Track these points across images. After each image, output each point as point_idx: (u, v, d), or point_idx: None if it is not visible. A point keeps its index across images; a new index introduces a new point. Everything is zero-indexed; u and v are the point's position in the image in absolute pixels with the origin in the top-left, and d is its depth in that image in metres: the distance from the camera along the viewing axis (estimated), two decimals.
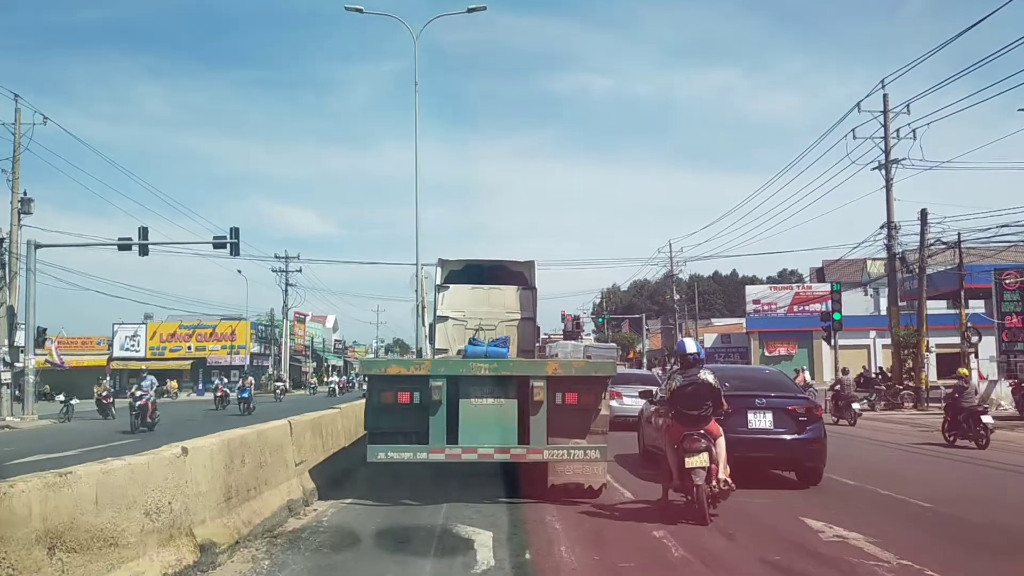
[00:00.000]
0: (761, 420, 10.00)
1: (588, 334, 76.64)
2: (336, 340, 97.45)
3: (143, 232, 31.72)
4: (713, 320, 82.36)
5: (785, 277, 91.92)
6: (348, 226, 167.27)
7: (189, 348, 68.31)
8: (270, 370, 71.63)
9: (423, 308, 18.25)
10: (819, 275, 72.47)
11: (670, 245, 62.34)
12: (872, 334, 55.51)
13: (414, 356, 21.22)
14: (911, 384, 30.63)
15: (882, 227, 31.63)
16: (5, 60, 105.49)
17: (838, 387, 23.89)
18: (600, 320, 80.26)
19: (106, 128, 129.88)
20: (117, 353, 66.07)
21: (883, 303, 65.28)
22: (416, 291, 28.12)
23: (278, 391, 48.37)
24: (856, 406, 22.82)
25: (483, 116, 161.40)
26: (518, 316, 12.55)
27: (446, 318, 12.55)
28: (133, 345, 67.73)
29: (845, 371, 24.71)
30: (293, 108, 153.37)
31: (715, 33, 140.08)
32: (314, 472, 8.88)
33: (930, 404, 29.28)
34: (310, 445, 9.00)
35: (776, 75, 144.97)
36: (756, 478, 9.77)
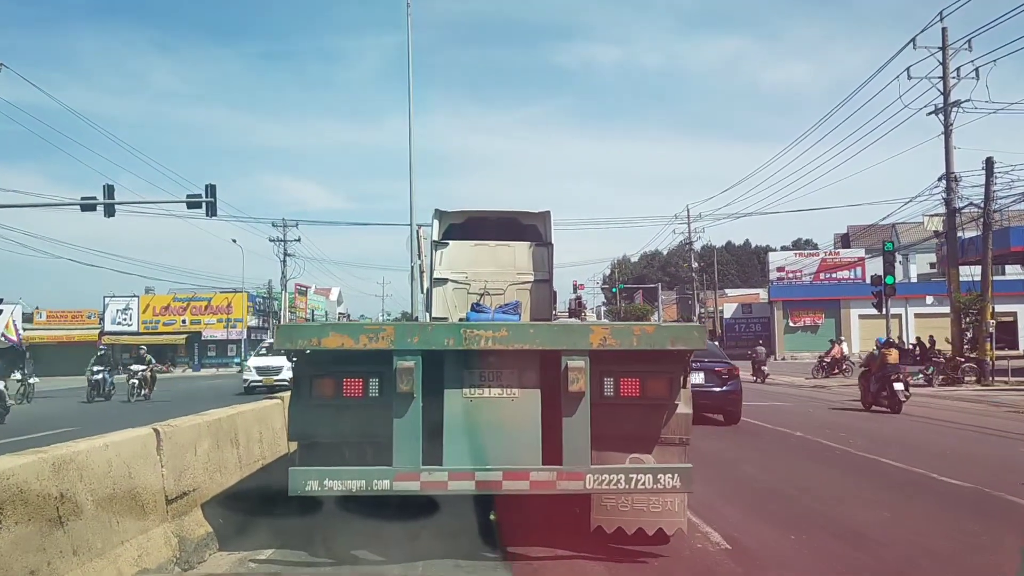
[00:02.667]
0: (695, 377, 11.64)
1: (594, 308, 72.87)
2: (340, 313, 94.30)
3: (108, 191, 28.22)
4: (727, 290, 78.77)
5: (800, 246, 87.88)
6: (356, 199, 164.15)
7: (184, 322, 65.55)
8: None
9: (421, 272, 15.96)
10: (844, 241, 68.67)
11: (687, 211, 58.66)
12: (907, 302, 51.61)
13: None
14: (973, 356, 27.07)
15: (940, 179, 28.01)
16: (11, 33, 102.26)
17: (753, 355, 31.99)
18: (614, 290, 76.72)
19: (113, 102, 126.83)
20: (109, 327, 63.34)
21: (913, 270, 61.88)
22: (410, 253, 24.97)
23: (135, 380, 25.66)
24: (765, 368, 31.14)
25: (489, 87, 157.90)
26: (531, 277, 10.37)
27: (445, 280, 10.41)
28: (125, 319, 65.00)
29: (760, 341, 35.52)
30: (300, 80, 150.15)
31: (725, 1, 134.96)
32: (212, 507, 5.50)
33: (995, 379, 25.91)
34: (207, 463, 5.62)
35: (789, 44, 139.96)
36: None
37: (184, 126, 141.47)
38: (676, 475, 5.05)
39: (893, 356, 17.66)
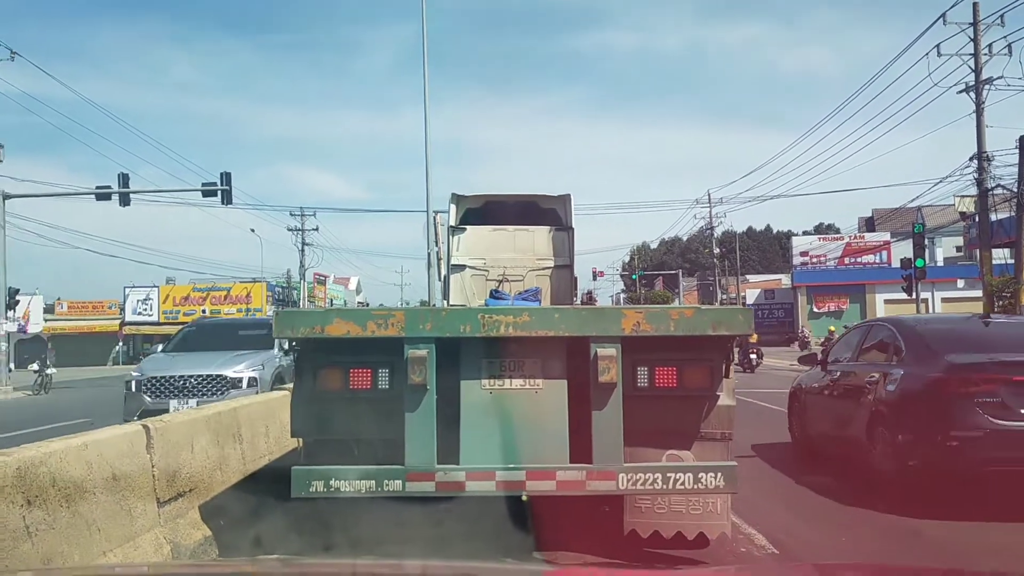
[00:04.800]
0: None
1: (612, 296, 72.27)
2: (359, 302, 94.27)
3: (123, 179, 28.02)
4: (749, 276, 77.80)
5: (822, 231, 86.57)
6: (374, 188, 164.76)
7: (203, 311, 65.55)
8: None
9: (438, 259, 15.75)
10: (869, 224, 67.47)
11: (709, 196, 57.74)
12: (934, 286, 50.55)
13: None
14: None
15: (971, 159, 27.16)
16: (30, 26, 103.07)
17: None
18: (633, 276, 76.07)
19: (132, 94, 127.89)
20: (129, 317, 63.76)
21: (940, 253, 60.63)
22: (427, 239, 24.56)
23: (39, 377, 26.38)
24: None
25: (507, 75, 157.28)
26: (551, 263, 10.18)
27: (463, 267, 10.22)
28: (146, 309, 65.35)
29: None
30: (317, 71, 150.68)
31: None
32: (211, 509, 5.08)
33: None
34: (205, 461, 5.19)
35: (810, 28, 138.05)
36: None
37: (203, 117, 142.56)
38: (719, 474, 4.55)
39: (753, 338, 25.98)
